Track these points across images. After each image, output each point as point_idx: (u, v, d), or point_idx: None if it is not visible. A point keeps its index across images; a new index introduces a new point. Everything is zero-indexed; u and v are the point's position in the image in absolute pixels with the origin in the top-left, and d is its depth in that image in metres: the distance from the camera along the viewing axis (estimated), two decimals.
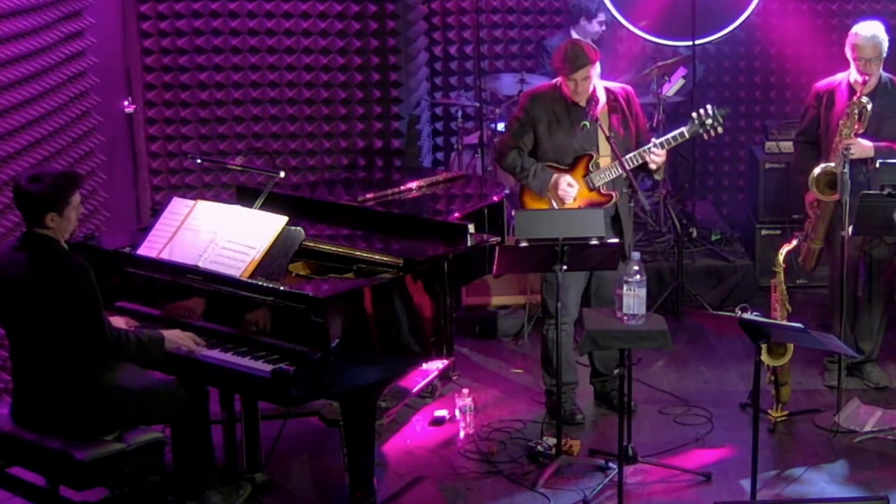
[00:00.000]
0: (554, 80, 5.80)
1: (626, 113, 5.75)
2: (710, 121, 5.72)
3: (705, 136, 5.79)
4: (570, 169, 5.70)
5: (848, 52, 5.93)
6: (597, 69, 5.66)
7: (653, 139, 5.73)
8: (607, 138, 5.56)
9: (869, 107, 5.77)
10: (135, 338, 4.51)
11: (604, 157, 5.67)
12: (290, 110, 8.05)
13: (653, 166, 5.68)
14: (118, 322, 4.72)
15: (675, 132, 5.71)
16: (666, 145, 5.68)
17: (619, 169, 5.57)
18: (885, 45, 5.86)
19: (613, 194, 5.70)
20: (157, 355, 4.57)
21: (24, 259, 4.41)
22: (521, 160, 5.73)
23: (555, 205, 5.69)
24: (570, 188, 5.66)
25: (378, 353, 4.69)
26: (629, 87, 5.90)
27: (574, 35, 8.24)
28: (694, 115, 5.76)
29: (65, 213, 4.43)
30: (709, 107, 5.74)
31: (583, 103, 5.64)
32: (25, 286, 4.38)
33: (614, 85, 5.87)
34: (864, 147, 5.79)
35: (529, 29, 8.89)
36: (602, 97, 5.68)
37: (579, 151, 5.70)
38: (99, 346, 4.40)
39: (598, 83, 5.69)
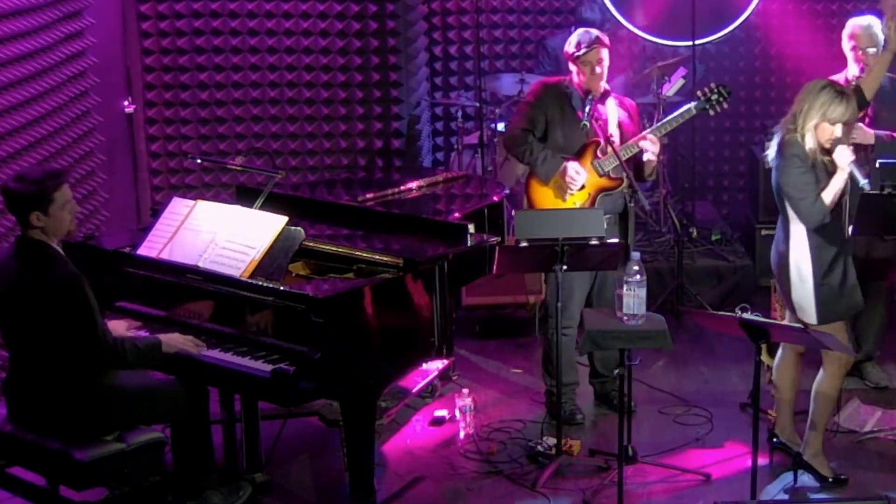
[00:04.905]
0: (563, 77, 5.82)
1: (630, 118, 5.80)
2: (715, 96, 5.78)
3: (711, 112, 5.84)
4: (577, 156, 5.71)
5: (846, 45, 5.96)
6: (607, 59, 5.69)
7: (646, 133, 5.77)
8: (606, 138, 5.58)
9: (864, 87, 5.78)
10: (131, 346, 4.48)
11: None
12: (290, 110, 8.05)
13: (650, 155, 5.65)
14: (119, 327, 4.72)
15: (682, 109, 5.77)
16: (670, 126, 5.75)
17: (616, 158, 5.57)
18: (882, 37, 5.87)
19: (623, 177, 5.71)
20: (155, 361, 4.56)
21: (14, 268, 4.37)
22: (530, 144, 5.71)
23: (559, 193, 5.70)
24: (578, 175, 5.67)
25: (378, 353, 4.68)
26: (634, 103, 5.97)
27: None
28: (699, 92, 5.83)
29: (51, 212, 4.35)
30: (713, 84, 5.83)
31: (598, 92, 5.67)
32: (18, 297, 4.36)
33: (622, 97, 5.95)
34: (865, 133, 5.81)
35: (529, 29, 8.89)
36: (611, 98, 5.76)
37: (586, 139, 5.71)
38: (96, 355, 4.39)
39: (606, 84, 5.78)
